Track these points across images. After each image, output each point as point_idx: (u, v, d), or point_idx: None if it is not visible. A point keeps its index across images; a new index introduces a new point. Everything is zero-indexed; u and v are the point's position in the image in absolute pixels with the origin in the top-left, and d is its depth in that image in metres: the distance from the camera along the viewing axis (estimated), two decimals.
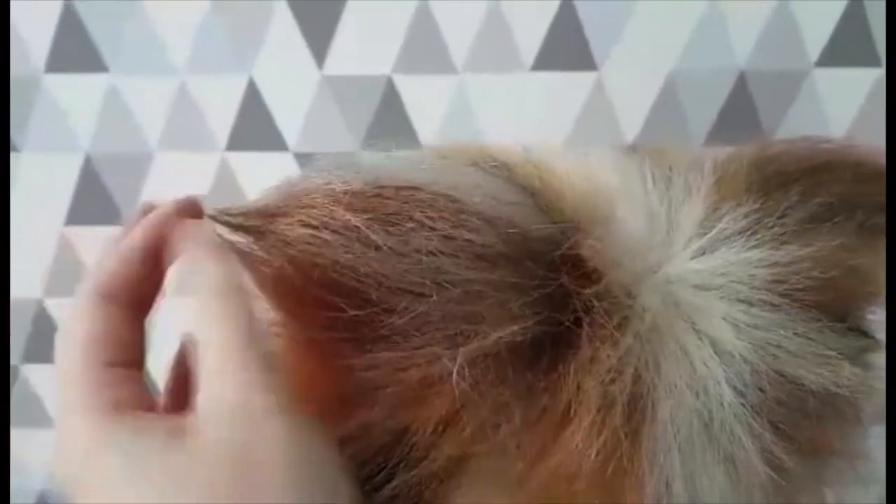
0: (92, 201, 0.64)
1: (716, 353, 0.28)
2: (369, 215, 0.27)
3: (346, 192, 0.27)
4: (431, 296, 0.26)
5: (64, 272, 0.65)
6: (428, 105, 0.62)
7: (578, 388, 0.27)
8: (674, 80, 0.61)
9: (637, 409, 0.27)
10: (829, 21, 0.60)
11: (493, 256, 0.27)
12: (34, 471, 0.70)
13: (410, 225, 0.27)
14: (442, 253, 0.27)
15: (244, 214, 0.28)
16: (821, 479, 0.31)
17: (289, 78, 0.61)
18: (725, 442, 0.27)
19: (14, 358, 0.67)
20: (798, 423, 0.29)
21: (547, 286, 0.27)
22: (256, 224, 0.28)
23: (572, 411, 0.27)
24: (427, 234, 0.27)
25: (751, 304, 0.28)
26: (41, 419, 0.69)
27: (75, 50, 0.61)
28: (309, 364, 0.28)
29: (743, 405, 0.27)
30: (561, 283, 0.27)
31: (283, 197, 0.28)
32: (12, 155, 0.63)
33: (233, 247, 0.28)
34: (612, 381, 0.27)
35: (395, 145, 0.32)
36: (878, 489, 0.34)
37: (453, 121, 0.62)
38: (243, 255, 0.28)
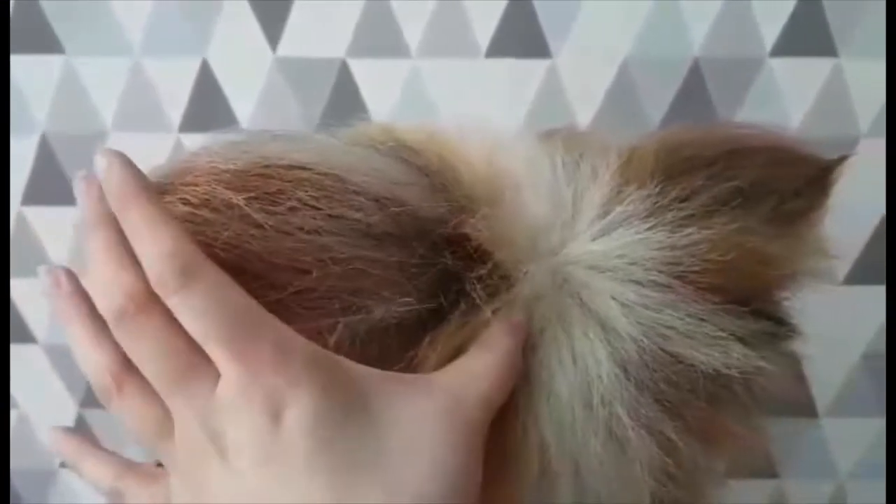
0: (48, 181, 0.64)
1: (602, 330, 0.28)
2: (251, 194, 0.27)
3: (228, 171, 0.28)
4: (313, 273, 0.27)
5: (21, 251, 0.65)
6: (382, 89, 0.62)
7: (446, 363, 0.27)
8: (627, 68, 0.61)
9: (515, 386, 0.27)
10: (785, 10, 0.60)
11: (380, 235, 0.27)
12: None
13: (293, 203, 0.27)
14: (326, 231, 0.27)
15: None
16: (718, 463, 0.31)
17: (242, 59, 0.61)
18: (606, 417, 0.27)
19: None
20: (689, 402, 0.29)
21: (430, 265, 0.27)
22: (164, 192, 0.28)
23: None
24: (311, 212, 0.27)
25: (642, 285, 0.29)
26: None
27: (32, 31, 0.61)
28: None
29: (627, 383, 0.27)
30: (444, 261, 0.27)
31: (169, 174, 0.29)
32: None
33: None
34: None
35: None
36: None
37: (407, 105, 0.62)
38: None
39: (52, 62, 0.62)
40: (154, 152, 0.63)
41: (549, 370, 0.27)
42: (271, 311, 0.27)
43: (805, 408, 0.65)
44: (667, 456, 0.28)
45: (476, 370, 0.27)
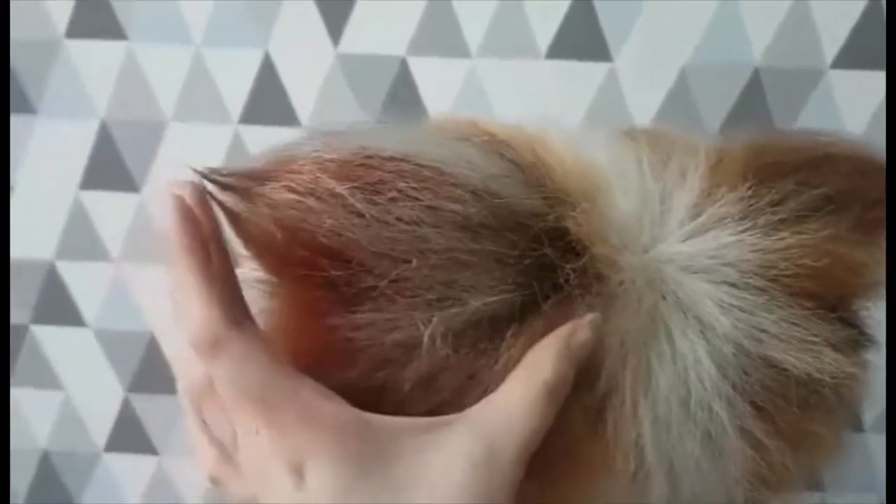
0: (106, 167, 0.65)
1: (700, 330, 0.28)
2: (354, 184, 0.28)
3: (332, 161, 0.28)
4: (412, 262, 0.27)
5: (76, 235, 0.66)
6: (440, 88, 0.62)
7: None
8: (687, 74, 0.61)
9: (608, 381, 0.27)
10: (847, 22, 0.60)
11: (477, 227, 0.28)
12: (38, 432, 0.71)
13: (393, 194, 0.27)
14: (424, 222, 0.27)
15: (234, 175, 0.29)
16: (804, 467, 0.31)
17: (304, 54, 0.62)
18: (704, 418, 0.27)
19: (23, 318, 0.68)
20: (780, 406, 0.29)
21: (528, 258, 0.27)
22: (245, 185, 0.29)
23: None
24: (410, 203, 0.27)
25: (737, 287, 0.29)
26: (47, 381, 0.70)
27: (95, 16, 0.62)
28: (294, 321, 0.29)
29: (724, 383, 0.28)
30: (543, 254, 0.27)
31: (272, 162, 0.29)
32: (29, 117, 0.64)
33: (221, 206, 0.29)
34: (583, 353, 0.27)
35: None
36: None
37: (464, 105, 0.62)
38: (230, 215, 0.29)
39: (114, 48, 0.63)
40: (212, 144, 0.64)
41: (648, 368, 0.27)
42: (369, 299, 0.27)
43: (852, 421, 0.65)
44: (759, 459, 0.28)
45: (516, 410, 0.27)
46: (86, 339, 0.69)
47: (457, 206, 0.27)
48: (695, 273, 0.29)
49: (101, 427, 0.71)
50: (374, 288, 0.27)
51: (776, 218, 0.30)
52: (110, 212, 0.66)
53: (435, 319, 0.27)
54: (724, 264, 0.29)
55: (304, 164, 0.28)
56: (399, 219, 0.27)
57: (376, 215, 0.27)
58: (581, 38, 0.61)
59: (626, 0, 0.60)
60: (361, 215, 0.27)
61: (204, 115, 0.63)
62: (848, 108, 0.61)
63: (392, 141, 0.29)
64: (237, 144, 0.64)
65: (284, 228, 0.28)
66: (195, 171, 0.30)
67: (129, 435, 0.71)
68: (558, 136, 0.32)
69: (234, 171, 0.29)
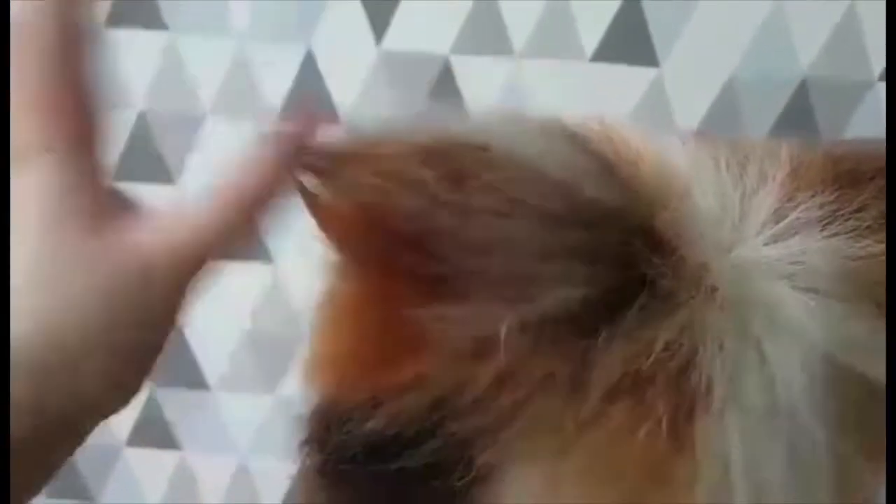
0: (142, 158, 0.64)
1: (790, 336, 0.27)
2: (438, 171, 0.27)
3: (418, 146, 0.27)
4: (493, 255, 0.26)
5: None
6: (483, 88, 0.62)
7: (629, 362, 0.26)
8: (734, 83, 0.61)
9: (693, 388, 0.26)
10: None
11: (561, 221, 0.27)
12: None
13: (478, 184, 0.27)
14: (508, 214, 0.27)
15: (315, 155, 0.28)
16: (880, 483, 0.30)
17: (346, 50, 0.61)
18: (791, 430, 0.26)
19: None
20: (864, 421, 0.28)
21: (617, 254, 0.27)
22: (327, 166, 0.28)
23: (622, 386, 0.27)
24: (494, 194, 0.27)
25: (824, 295, 0.28)
26: None
27: (137, 6, 0.61)
28: (370, 309, 0.28)
29: (812, 393, 0.27)
30: (633, 251, 0.27)
31: (356, 144, 0.28)
32: None
33: (300, 186, 0.28)
34: (669, 358, 0.27)
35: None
36: None
37: (508, 105, 0.61)
38: (309, 196, 0.28)
39: (155, 39, 0.62)
40: (252, 139, 0.63)
41: (734, 375, 0.27)
42: (449, 291, 0.26)
43: None
44: (842, 470, 0.27)
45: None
46: None
47: (542, 200, 0.27)
48: (779, 278, 0.28)
49: (122, 420, 0.70)
50: (454, 279, 0.27)
51: (859, 224, 0.29)
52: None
53: (514, 315, 0.26)
54: (810, 270, 0.28)
55: (388, 148, 0.28)
56: (483, 209, 0.27)
57: (460, 204, 0.27)
58: (628, 42, 0.60)
59: (676, 3, 0.59)
60: (445, 203, 0.27)
61: (243, 110, 0.63)
62: None
63: (478, 130, 0.29)
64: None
65: (364, 212, 0.27)
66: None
67: (152, 429, 0.70)
68: (636, 134, 0.31)
69: (316, 150, 0.29)
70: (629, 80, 0.61)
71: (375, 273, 0.28)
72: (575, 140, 0.29)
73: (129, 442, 0.70)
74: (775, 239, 0.29)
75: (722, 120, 0.61)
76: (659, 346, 0.26)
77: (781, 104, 0.61)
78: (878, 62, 0.60)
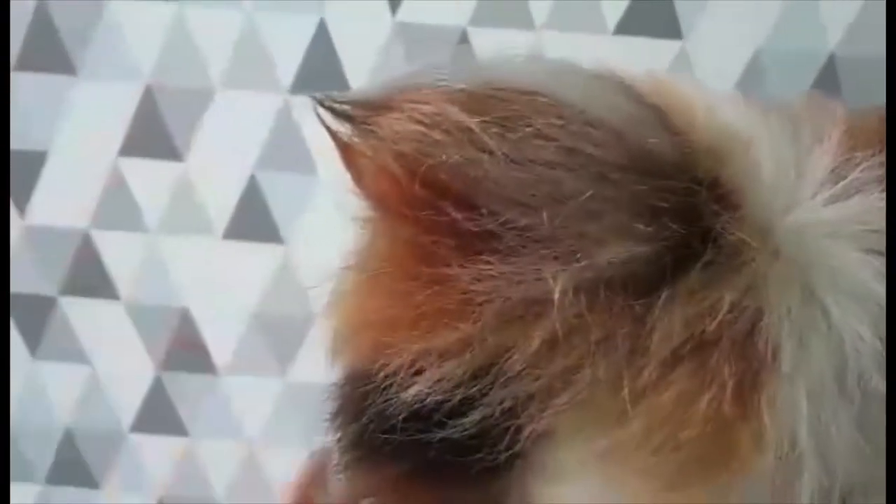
0: (148, 133, 0.62)
1: (856, 299, 0.25)
2: (485, 117, 0.25)
3: (461, 92, 0.26)
4: (544, 210, 0.24)
5: (113, 204, 0.64)
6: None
7: (692, 324, 0.25)
8: (759, 57, 0.59)
9: (760, 352, 0.25)
10: None
11: (618, 172, 0.25)
12: (62, 409, 0.69)
13: (527, 132, 0.25)
14: (559, 164, 0.25)
15: (350, 103, 0.26)
16: None
17: (360, 21, 0.59)
18: (859, 395, 0.25)
19: (53, 289, 0.66)
20: None
21: (678, 206, 0.25)
22: (362, 114, 0.26)
23: (684, 350, 0.25)
24: (545, 143, 0.25)
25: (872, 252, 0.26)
26: (74, 355, 0.67)
27: None
28: (408, 268, 0.26)
29: (881, 357, 0.25)
30: (696, 204, 0.25)
31: (393, 91, 0.27)
32: (70, 79, 0.62)
33: (334, 136, 0.27)
34: (734, 320, 0.25)
35: None
36: None
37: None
38: (344, 147, 0.27)
39: (162, 10, 0.60)
40: (261, 113, 0.61)
41: (801, 339, 0.25)
42: (494, 248, 0.25)
43: None
44: None
45: None
46: (117, 314, 0.66)
47: (594, 150, 0.25)
48: (841, 239, 0.26)
49: (128, 405, 0.68)
50: (500, 236, 0.25)
51: None
52: (150, 181, 0.63)
53: (567, 273, 0.24)
54: (872, 231, 0.27)
55: (429, 94, 0.26)
56: (532, 160, 0.25)
57: (508, 153, 0.25)
58: (652, 14, 0.58)
59: None
60: (491, 153, 0.25)
61: (253, 83, 0.61)
62: None
63: (525, 74, 0.27)
64: (286, 115, 0.61)
65: (404, 163, 0.26)
66: (311, 97, 0.27)
67: (158, 415, 0.68)
68: (688, 88, 0.29)
69: (350, 98, 0.27)
70: (653, 53, 0.59)
71: (414, 229, 0.26)
72: (629, 90, 0.28)
73: (133, 428, 0.69)
74: (835, 199, 0.27)
75: (748, 94, 0.59)
76: (724, 307, 0.25)
77: (809, 80, 0.59)
78: None
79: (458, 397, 0.25)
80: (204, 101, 0.61)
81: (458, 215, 0.25)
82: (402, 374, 0.26)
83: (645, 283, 0.25)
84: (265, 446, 0.67)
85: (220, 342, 0.65)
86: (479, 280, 0.25)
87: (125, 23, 0.61)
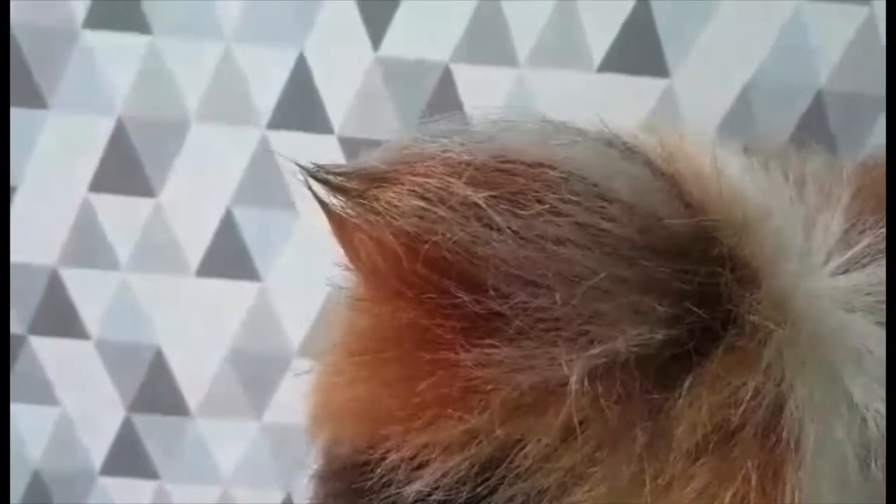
0: (119, 168, 0.60)
1: (874, 378, 0.24)
2: (492, 192, 0.24)
3: (467, 164, 0.24)
4: (555, 290, 0.23)
5: (82, 240, 0.61)
6: (484, 98, 0.58)
7: (716, 413, 0.23)
8: (747, 95, 0.58)
9: (783, 441, 0.23)
10: None
11: (631, 250, 0.24)
12: (31, 450, 0.66)
13: (539, 208, 0.24)
14: (572, 242, 0.23)
15: (346, 175, 0.25)
16: None
17: (341, 56, 0.58)
18: (882, 477, 0.23)
19: (22, 328, 0.64)
20: None
21: (699, 287, 0.23)
22: (360, 187, 0.25)
23: (708, 441, 0.23)
24: (557, 219, 0.24)
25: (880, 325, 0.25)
26: (43, 396, 0.65)
27: (116, 6, 0.58)
28: (406, 351, 0.24)
29: None
30: (718, 283, 0.23)
31: (394, 161, 0.25)
32: (40, 112, 0.60)
33: (327, 210, 0.25)
34: (757, 407, 0.23)
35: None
36: None
37: (511, 117, 0.58)
38: (339, 221, 0.25)
39: (137, 42, 0.58)
40: (238, 148, 0.60)
41: (825, 421, 0.23)
42: (501, 331, 0.23)
43: None
44: None
45: None
46: (87, 353, 0.64)
47: (610, 226, 0.24)
48: (854, 312, 0.25)
49: (98, 447, 0.66)
50: (508, 317, 0.23)
51: None
52: (122, 217, 0.61)
53: (581, 358, 0.23)
54: (883, 302, 0.25)
55: (432, 167, 0.25)
56: (541, 236, 0.24)
57: (517, 230, 0.24)
58: (638, 52, 0.57)
59: (688, 12, 0.56)
60: (499, 230, 0.24)
61: (230, 118, 0.59)
62: None
63: (535, 144, 0.25)
64: (264, 150, 0.59)
65: (405, 240, 0.24)
66: (300, 167, 0.25)
67: (128, 457, 0.66)
68: (693, 142, 0.28)
69: (346, 168, 0.26)
70: (639, 91, 0.58)
71: (414, 311, 0.25)
72: (640, 157, 0.26)
73: (103, 471, 0.66)
74: (846, 269, 0.26)
75: (735, 134, 0.58)
76: (748, 393, 0.23)
77: (797, 117, 0.58)
78: None
79: (465, 495, 0.24)
80: (179, 134, 0.60)
81: (462, 296, 0.24)
82: (401, 470, 0.24)
83: (665, 369, 0.23)
84: (239, 489, 0.65)
85: (193, 383, 0.63)
86: (485, 366, 0.23)
87: (98, 54, 0.59)
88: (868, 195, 0.28)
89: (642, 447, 0.23)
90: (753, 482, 0.23)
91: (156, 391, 0.64)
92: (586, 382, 0.22)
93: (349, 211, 0.25)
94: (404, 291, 0.25)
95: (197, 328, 0.62)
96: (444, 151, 0.25)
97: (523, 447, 0.23)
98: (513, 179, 0.24)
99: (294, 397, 0.63)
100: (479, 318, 0.23)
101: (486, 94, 0.58)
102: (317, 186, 0.26)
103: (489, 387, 0.23)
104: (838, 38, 0.57)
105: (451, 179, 0.24)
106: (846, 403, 0.24)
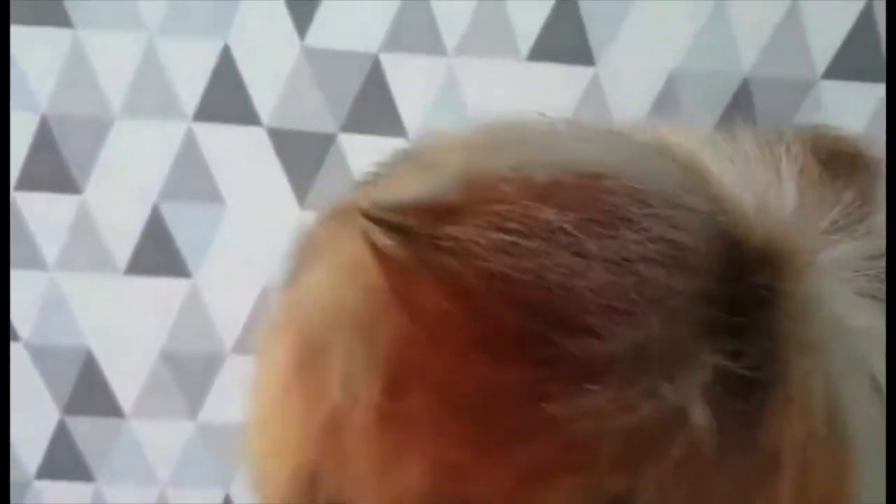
0: (45, 166, 0.59)
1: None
2: (580, 215, 0.21)
3: (548, 185, 0.21)
4: (649, 316, 0.21)
5: (8, 240, 0.60)
6: (414, 88, 0.58)
7: (786, 429, 0.22)
8: (674, 82, 0.58)
9: (842, 448, 0.22)
10: (839, 32, 0.58)
11: (697, 259, 0.22)
12: None
13: (624, 227, 0.21)
14: (655, 261, 0.21)
15: (407, 211, 0.21)
16: None
17: (266, 47, 0.57)
18: None
19: None
20: None
21: (747, 292, 0.22)
22: (428, 226, 0.21)
23: (783, 461, 0.22)
24: (640, 236, 0.21)
25: (877, 300, 0.24)
26: None
27: (37, 1, 0.56)
28: (490, 414, 0.21)
29: None
30: (765, 286, 0.22)
31: (458, 189, 0.21)
32: None
33: (382, 258, 0.21)
34: (825, 420, 0.22)
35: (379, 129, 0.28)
36: None
37: (440, 107, 0.58)
38: (398, 269, 0.21)
39: (58, 36, 0.57)
40: (163, 142, 0.59)
41: (864, 429, 0.22)
42: (599, 371, 0.20)
43: None
44: None
45: None
46: (18, 356, 0.63)
47: (679, 234, 0.21)
48: (876, 301, 0.24)
49: (32, 451, 0.65)
50: (606, 356, 0.20)
51: (869, 221, 0.25)
52: (47, 215, 0.60)
53: (689, 385, 0.21)
54: (857, 272, 0.24)
55: (508, 191, 0.21)
56: (629, 259, 0.21)
57: (608, 256, 0.21)
58: (564, 41, 0.57)
59: (613, 2, 0.57)
60: (588, 257, 0.21)
61: (155, 112, 0.58)
62: (838, 119, 0.59)
63: (598, 152, 0.23)
64: (190, 144, 0.59)
65: (491, 283, 0.21)
66: (357, 208, 0.22)
67: (63, 460, 0.64)
68: (693, 140, 0.26)
69: (405, 205, 0.21)
70: (566, 80, 0.58)
71: (501, 363, 0.21)
72: (670, 154, 0.25)
73: (38, 475, 0.65)
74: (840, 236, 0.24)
75: (661, 121, 0.58)
76: (809, 406, 0.22)
77: (724, 102, 0.59)
78: (821, 61, 0.58)
79: None
80: (103, 130, 0.58)
81: (560, 340, 0.20)
82: None
83: (745, 382, 0.21)
84: (176, 489, 0.64)
85: (125, 383, 0.62)
86: (584, 415, 0.20)
87: (18, 50, 0.57)
88: (808, 172, 0.27)
89: (749, 466, 0.21)
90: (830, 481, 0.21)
91: (89, 393, 0.63)
92: (699, 412, 0.20)
93: (413, 255, 0.21)
94: (489, 344, 0.21)
95: (128, 328, 0.61)
96: (516, 170, 0.22)
97: (638, 496, 0.21)
98: (597, 197, 0.21)
99: (229, 395, 0.62)
100: (577, 362, 0.20)
101: (416, 84, 0.58)
102: (371, 229, 0.21)
103: (592, 438, 0.20)
104: (762, 26, 0.58)
105: (534, 204, 0.21)
106: (872, 393, 0.23)
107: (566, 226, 0.21)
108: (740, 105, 0.59)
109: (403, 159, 0.25)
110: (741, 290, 0.22)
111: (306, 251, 0.26)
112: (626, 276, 0.21)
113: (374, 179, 0.25)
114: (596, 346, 0.20)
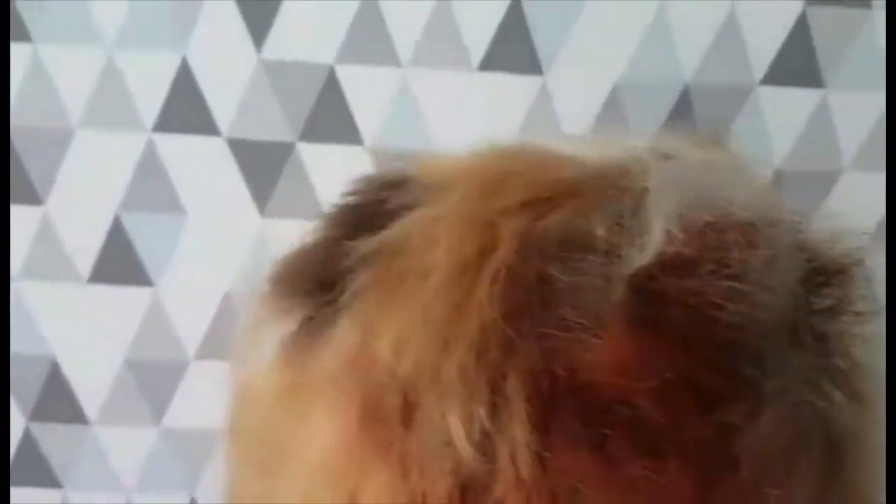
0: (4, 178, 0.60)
1: None
2: (762, 251, 0.22)
3: (745, 226, 0.22)
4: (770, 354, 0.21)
5: None
6: (370, 98, 0.60)
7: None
8: (618, 91, 0.61)
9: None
10: (776, 39, 0.60)
11: (794, 278, 0.23)
12: None
13: (748, 255, 0.22)
14: (770, 288, 0.22)
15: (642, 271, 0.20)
16: None
17: (224, 59, 0.58)
18: None
19: None
20: None
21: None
22: (658, 280, 0.20)
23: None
24: (759, 268, 0.22)
25: None
26: None
27: None
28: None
29: None
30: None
31: (691, 236, 0.21)
32: None
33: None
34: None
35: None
36: None
37: (396, 116, 0.60)
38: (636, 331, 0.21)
39: (18, 51, 0.58)
40: (123, 154, 0.60)
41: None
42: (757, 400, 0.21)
43: None
44: None
45: None
46: None
47: (764, 253, 0.22)
48: None
49: None
50: (759, 385, 0.21)
51: None
52: (11, 226, 0.60)
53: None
54: None
55: (724, 236, 0.21)
56: (768, 288, 0.22)
57: (770, 285, 0.21)
58: (514, 50, 0.59)
59: (558, 11, 0.59)
60: (767, 289, 0.21)
61: (114, 124, 0.59)
62: (777, 124, 0.62)
63: (726, 184, 0.24)
64: (150, 155, 0.60)
65: (717, 333, 0.21)
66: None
67: (30, 467, 0.65)
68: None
69: (640, 264, 0.21)
70: (517, 89, 0.60)
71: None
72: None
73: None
74: None
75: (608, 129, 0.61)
76: None
77: (666, 110, 0.61)
78: (759, 67, 0.61)
79: None
80: (64, 142, 0.59)
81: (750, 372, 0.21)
82: None
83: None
84: (143, 495, 0.65)
85: (90, 390, 0.63)
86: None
87: None
88: None
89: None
90: None
91: (54, 400, 0.64)
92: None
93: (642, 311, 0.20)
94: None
95: (91, 336, 0.62)
96: (725, 215, 0.22)
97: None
98: (758, 232, 0.22)
99: (193, 400, 0.64)
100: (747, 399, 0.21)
101: (371, 94, 0.60)
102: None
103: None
104: (702, 33, 0.60)
105: (742, 246, 0.21)
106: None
107: (761, 265, 0.21)
108: (682, 112, 0.61)
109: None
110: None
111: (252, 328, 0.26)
112: (773, 299, 0.21)
113: (353, 202, 0.26)
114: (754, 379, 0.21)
